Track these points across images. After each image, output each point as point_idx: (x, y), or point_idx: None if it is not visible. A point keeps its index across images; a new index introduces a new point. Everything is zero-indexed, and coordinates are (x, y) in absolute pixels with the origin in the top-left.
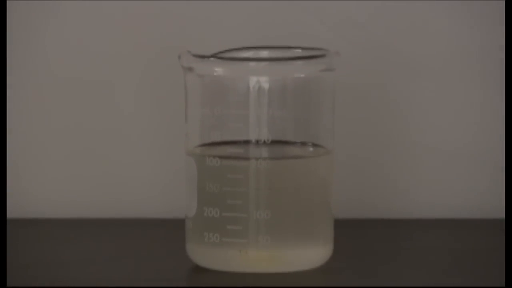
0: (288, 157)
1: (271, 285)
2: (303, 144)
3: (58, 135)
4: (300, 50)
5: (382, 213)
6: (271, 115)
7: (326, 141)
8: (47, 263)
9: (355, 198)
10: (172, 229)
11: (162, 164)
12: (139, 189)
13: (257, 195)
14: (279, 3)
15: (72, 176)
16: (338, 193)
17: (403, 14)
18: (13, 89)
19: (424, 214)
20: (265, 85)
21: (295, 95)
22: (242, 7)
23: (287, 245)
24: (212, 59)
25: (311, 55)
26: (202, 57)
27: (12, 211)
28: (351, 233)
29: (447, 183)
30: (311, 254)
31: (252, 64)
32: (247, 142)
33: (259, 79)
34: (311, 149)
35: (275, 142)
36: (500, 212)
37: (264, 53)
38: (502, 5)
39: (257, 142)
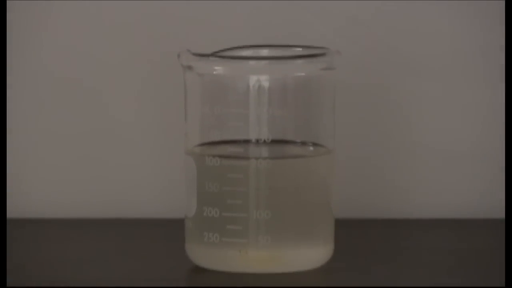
0: (288, 157)
1: (271, 286)
2: (304, 143)
3: (57, 135)
4: (300, 49)
5: (382, 213)
6: (271, 114)
7: (326, 140)
8: (47, 263)
9: (356, 198)
10: (171, 229)
11: (162, 164)
12: (139, 189)
13: (257, 195)
14: (279, 2)
15: (72, 176)
16: (339, 192)
17: (405, 13)
18: (13, 89)
19: (425, 214)
20: (265, 84)
21: (296, 94)
22: (243, 6)
23: (287, 245)
24: (211, 57)
25: (312, 54)
26: (202, 55)
27: (12, 211)
28: (351, 233)
29: (448, 183)
30: (312, 254)
31: (252, 62)
32: (247, 142)
33: (259, 78)
34: (311, 148)
35: (275, 142)
36: (500, 212)
37: (264, 52)
38: (504, 4)
39: (257, 141)
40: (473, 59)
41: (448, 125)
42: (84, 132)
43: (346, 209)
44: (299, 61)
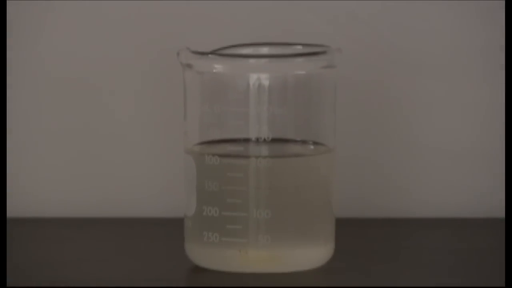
0: (288, 155)
1: (271, 286)
2: (304, 142)
3: (57, 135)
4: (300, 47)
5: (383, 212)
6: (272, 113)
7: (327, 139)
8: (46, 263)
9: (356, 197)
10: (170, 229)
11: (161, 163)
12: (138, 188)
13: (257, 194)
14: (279, 1)
15: (71, 175)
16: (339, 192)
17: (406, 11)
18: (13, 89)
19: (426, 213)
20: (265, 82)
21: (296, 93)
22: (243, 4)
23: (288, 245)
24: (211, 55)
25: (312, 52)
26: (201, 53)
27: (12, 210)
28: (352, 232)
29: (448, 182)
30: (312, 254)
31: (252, 61)
32: (247, 140)
33: (259, 76)
34: (312, 147)
35: (275, 140)
36: (501, 212)
37: (264, 50)
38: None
39: (257, 140)
40: (474, 58)
41: (449, 124)
42: (84, 131)
43: (347, 208)
44: (300, 59)
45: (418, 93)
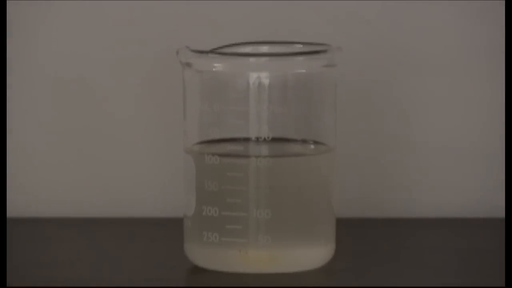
0: (288, 155)
1: (271, 286)
2: (304, 141)
3: (56, 134)
4: (301, 45)
5: (384, 212)
6: (272, 112)
7: (327, 138)
8: (46, 263)
9: (357, 196)
10: (170, 229)
11: (160, 162)
12: (137, 188)
13: (257, 194)
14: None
15: (71, 175)
16: (340, 191)
17: (406, 10)
18: (13, 89)
19: (426, 213)
20: (266, 81)
21: (296, 92)
22: (242, 2)
23: (288, 245)
24: (211, 54)
25: (313, 51)
26: (201, 52)
27: (12, 210)
28: (353, 232)
29: (449, 182)
30: (313, 254)
31: (252, 59)
32: (247, 140)
33: (259, 75)
34: (312, 146)
35: (275, 140)
36: (502, 212)
37: (265, 48)
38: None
39: (257, 139)
40: (476, 57)
41: (450, 124)
42: (83, 131)
43: (348, 208)
44: (300, 58)
45: (419, 92)
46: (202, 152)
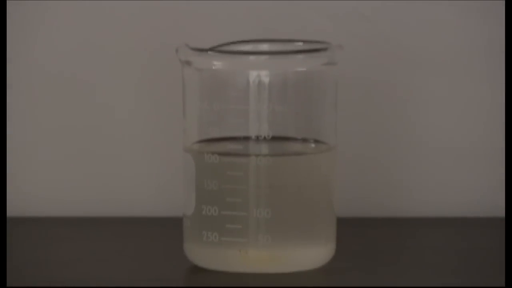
0: (289, 154)
1: (271, 286)
2: (305, 140)
3: (55, 134)
4: (301, 44)
5: (385, 211)
6: (272, 110)
7: (328, 137)
8: (46, 263)
9: (358, 196)
10: (169, 228)
11: (160, 161)
12: (137, 187)
13: (257, 193)
14: None
15: (70, 175)
16: (341, 190)
17: (407, 8)
18: (12, 89)
19: (427, 212)
20: (266, 79)
21: (296, 90)
22: (244, 1)
23: (288, 245)
24: (210, 52)
25: (313, 49)
26: (201, 50)
27: (12, 210)
28: (353, 232)
29: (450, 181)
30: (313, 254)
31: (252, 57)
32: (247, 138)
33: (259, 73)
34: (312, 145)
35: (275, 138)
36: (502, 211)
37: (265, 47)
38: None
39: (257, 138)
40: (477, 57)
41: (450, 123)
42: (83, 130)
43: (348, 207)
44: (300, 56)
45: (419, 91)
46: (201, 151)
